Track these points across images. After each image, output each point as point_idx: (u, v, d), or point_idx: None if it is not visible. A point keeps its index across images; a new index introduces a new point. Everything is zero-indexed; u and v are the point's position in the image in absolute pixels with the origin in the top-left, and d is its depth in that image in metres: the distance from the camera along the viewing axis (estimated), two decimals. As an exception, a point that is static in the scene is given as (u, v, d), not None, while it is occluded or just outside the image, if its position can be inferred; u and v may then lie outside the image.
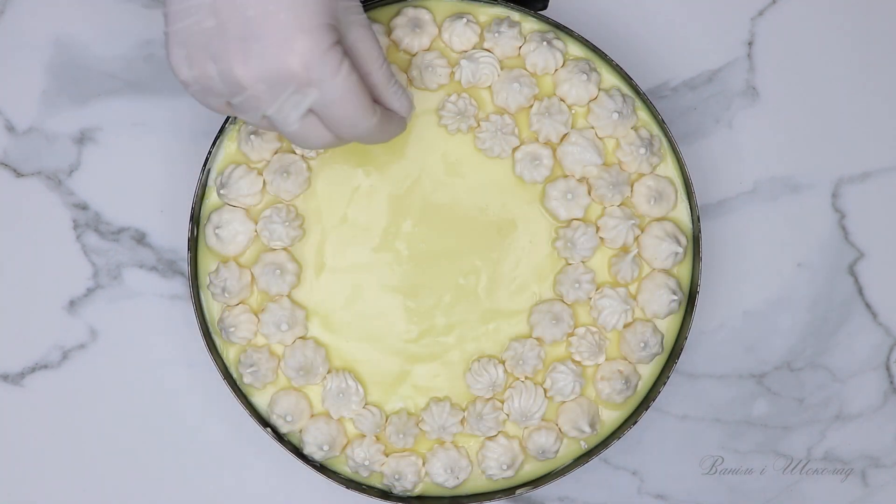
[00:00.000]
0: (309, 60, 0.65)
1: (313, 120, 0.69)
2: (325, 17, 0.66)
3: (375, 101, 0.71)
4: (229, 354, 0.82)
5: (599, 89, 0.82)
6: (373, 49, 0.70)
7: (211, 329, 0.82)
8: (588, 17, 0.87)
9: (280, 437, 0.82)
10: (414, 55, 0.81)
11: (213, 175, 0.82)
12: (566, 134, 0.82)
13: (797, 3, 0.89)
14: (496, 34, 0.81)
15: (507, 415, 0.81)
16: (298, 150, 0.81)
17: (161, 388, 0.87)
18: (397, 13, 0.81)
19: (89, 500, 0.87)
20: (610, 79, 0.83)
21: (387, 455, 0.81)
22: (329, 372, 0.81)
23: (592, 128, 0.82)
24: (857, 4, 0.89)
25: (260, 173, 0.81)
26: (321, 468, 0.82)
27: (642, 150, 0.81)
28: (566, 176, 0.82)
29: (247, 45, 0.65)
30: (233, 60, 0.66)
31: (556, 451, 0.82)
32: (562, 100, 0.82)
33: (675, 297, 0.81)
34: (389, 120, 0.72)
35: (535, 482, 0.82)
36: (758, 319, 0.89)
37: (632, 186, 0.82)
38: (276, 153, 0.81)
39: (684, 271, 0.83)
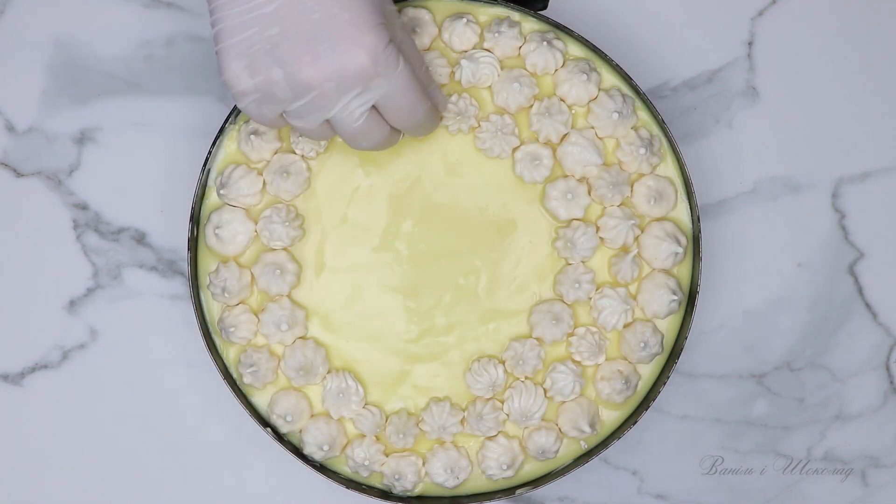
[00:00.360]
0: (376, 55, 0.69)
1: (374, 115, 0.72)
2: (381, 17, 0.69)
3: None
4: (229, 354, 0.82)
5: (599, 89, 0.82)
6: (415, 50, 0.74)
7: (211, 329, 0.82)
8: (588, 17, 0.87)
9: (280, 437, 0.82)
10: (414, 55, 0.82)
11: (213, 175, 0.82)
12: (566, 134, 0.82)
13: (797, 3, 0.89)
14: (496, 34, 0.81)
15: (507, 415, 0.81)
16: (298, 150, 0.81)
17: (161, 388, 0.87)
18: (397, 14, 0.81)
19: (89, 500, 0.87)
20: (610, 79, 0.83)
21: (387, 455, 0.81)
22: (329, 372, 0.81)
23: (592, 128, 0.82)
24: (857, 4, 0.89)
25: (260, 173, 0.81)
26: (321, 468, 0.82)
27: (642, 150, 0.81)
28: (566, 176, 0.82)
29: (315, 46, 0.68)
30: (302, 62, 0.69)
31: (556, 451, 0.82)
32: (562, 100, 0.82)
33: (675, 297, 0.81)
34: (435, 110, 0.76)
35: (535, 482, 0.82)
36: (758, 319, 0.89)
37: (632, 186, 0.82)
38: (275, 153, 0.81)
39: (684, 271, 0.83)
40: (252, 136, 0.80)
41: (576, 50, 0.82)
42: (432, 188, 0.82)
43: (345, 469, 0.82)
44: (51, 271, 0.87)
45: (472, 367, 0.81)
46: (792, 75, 0.89)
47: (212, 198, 0.82)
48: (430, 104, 0.75)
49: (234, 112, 0.81)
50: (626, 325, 0.82)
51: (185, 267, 0.82)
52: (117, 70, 0.87)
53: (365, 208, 0.82)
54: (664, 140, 0.82)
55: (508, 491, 0.82)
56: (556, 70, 0.82)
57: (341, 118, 0.72)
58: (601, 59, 0.82)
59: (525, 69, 0.82)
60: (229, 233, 0.81)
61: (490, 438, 0.82)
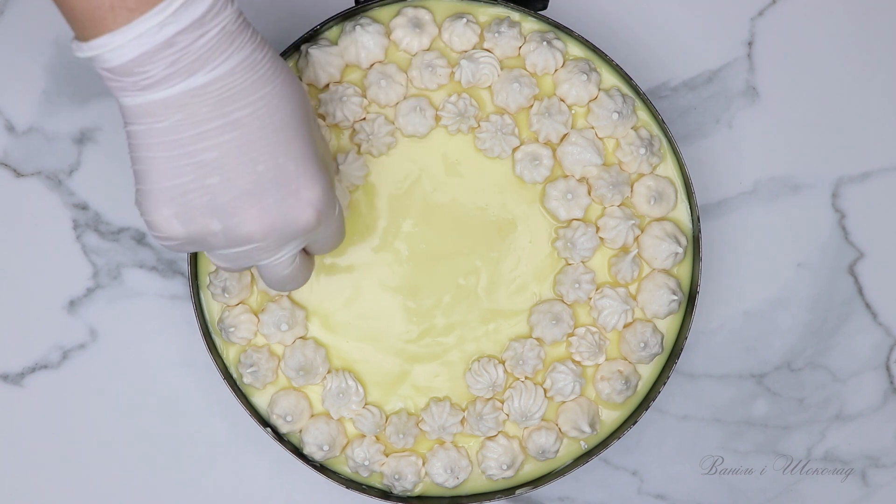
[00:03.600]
0: (321, 207, 0.66)
1: (303, 257, 0.71)
2: (317, 156, 0.66)
3: None
4: (229, 354, 0.82)
5: (599, 89, 0.82)
6: (328, 155, 0.74)
7: (211, 329, 0.82)
8: (588, 17, 0.87)
9: (280, 437, 0.82)
10: (414, 55, 0.81)
11: (213, 175, 0.82)
12: (566, 134, 0.82)
13: (797, 3, 0.89)
14: (496, 34, 0.81)
15: (507, 415, 0.81)
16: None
17: (161, 388, 0.87)
18: (397, 13, 0.81)
19: (89, 499, 0.87)
20: (610, 79, 0.83)
21: (387, 455, 0.81)
22: (329, 372, 0.81)
23: (592, 128, 0.82)
24: (857, 4, 0.89)
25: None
26: (321, 468, 0.82)
27: (642, 150, 0.81)
28: (566, 176, 0.82)
29: (260, 199, 0.64)
30: (245, 216, 0.64)
31: (556, 451, 0.82)
32: (562, 100, 0.82)
33: (675, 297, 0.81)
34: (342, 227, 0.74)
35: (535, 482, 0.82)
36: (758, 319, 0.89)
37: (632, 186, 0.82)
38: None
39: (684, 271, 0.83)
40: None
41: (576, 50, 0.82)
42: (432, 188, 0.82)
43: (345, 469, 0.82)
44: (51, 271, 0.87)
45: (471, 367, 0.81)
46: (792, 75, 0.89)
47: (212, 198, 0.82)
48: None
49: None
50: (626, 326, 0.82)
51: (185, 267, 0.82)
52: (117, 70, 0.87)
53: (365, 208, 0.82)
54: (664, 140, 0.82)
55: (508, 491, 0.82)
56: (556, 70, 0.82)
57: (272, 266, 0.69)
58: (601, 59, 0.82)
59: (525, 69, 0.82)
60: (229, 233, 0.81)
61: (490, 438, 0.82)
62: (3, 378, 0.87)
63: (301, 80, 0.81)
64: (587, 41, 0.82)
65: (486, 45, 0.82)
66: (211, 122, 0.62)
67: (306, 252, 0.72)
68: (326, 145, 0.72)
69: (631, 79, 0.82)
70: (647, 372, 0.83)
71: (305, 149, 0.65)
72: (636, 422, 0.81)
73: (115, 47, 0.60)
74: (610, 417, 0.82)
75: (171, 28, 0.60)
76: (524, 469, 0.82)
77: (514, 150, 0.82)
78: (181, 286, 0.87)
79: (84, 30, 0.61)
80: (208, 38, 0.61)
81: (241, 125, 0.63)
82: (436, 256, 0.82)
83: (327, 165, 0.69)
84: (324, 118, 0.81)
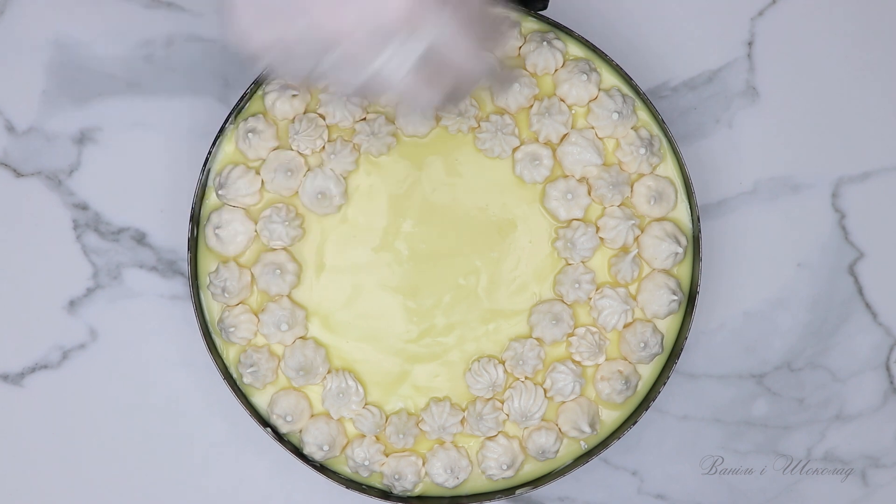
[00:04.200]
0: (405, 6, 0.57)
1: (428, 69, 0.61)
2: None
3: None
4: (229, 354, 0.82)
5: (599, 89, 0.82)
6: None
7: (211, 329, 0.82)
8: (588, 17, 0.87)
9: (280, 437, 0.82)
10: (414, 55, 0.81)
11: (212, 175, 0.82)
12: (566, 134, 0.82)
13: (797, 3, 0.89)
14: (496, 34, 0.81)
15: (507, 415, 0.81)
16: (294, 146, 0.81)
17: (161, 388, 0.87)
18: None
19: (89, 499, 0.87)
20: (610, 79, 0.83)
21: (387, 455, 0.81)
22: (329, 372, 0.81)
23: (592, 128, 0.82)
24: (857, 4, 0.89)
25: (258, 172, 0.81)
26: (321, 468, 0.82)
27: (642, 150, 0.81)
28: (566, 176, 0.82)
29: None
30: (325, 9, 0.57)
31: (556, 451, 0.82)
32: (562, 100, 0.82)
33: (675, 297, 0.81)
34: (501, 36, 0.65)
35: (535, 482, 0.82)
36: (758, 319, 0.89)
37: (632, 186, 0.82)
38: (273, 151, 0.81)
39: (684, 271, 0.83)
40: (250, 134, 0.80)
41: (576, 50, 0.82)
42: (432, 188, 0.82)
43: (345, 469, 0.82)
44: (51, 271, 0.87)
45: (472, 367, 0.81)
46: (792, 75, 0.89)
47: (212, 198, 0.82)
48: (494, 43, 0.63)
49: (234, 112, 0.81)
50: (626, 326, 0.82)
51: (185, 267, 0.82)
52: (117, 70, 0.87)
53: (365, 208, 0.82)
54: (664, 140, 0.82)
55: (508, 491, 0.82)
56: (556, 70, 0.82)
57: (384, 74, 0.60)
58: (601, 59, 0.82)
59: (525, 69, 0.82)
60: (229, 233, 0.81)
61: (490, 438, 0.82)
62: (3, 378, 0.87)
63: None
64: (587, 41, 0.82)
65: (486, 45, 0.82)
66: None
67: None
68: None
69: (631, 79, 0.82)
70: (647, 372, 0.83)
71: None
72: (636, 422, 0.81)
73: None
74: (610, 417, 0.82)
75: None
76: (524, 469, 0.82)
77: (514, 150, 0.82)
78: (181, 286, 0.87)
79: None
80: None
81: None
82: (436, 256, 0.82)
83: None
84: (324, 118, 0.81)
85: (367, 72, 0.59)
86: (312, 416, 0.81)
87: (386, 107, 0.81)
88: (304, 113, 0.81)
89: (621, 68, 0.82)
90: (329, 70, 0.60)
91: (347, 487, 0.81)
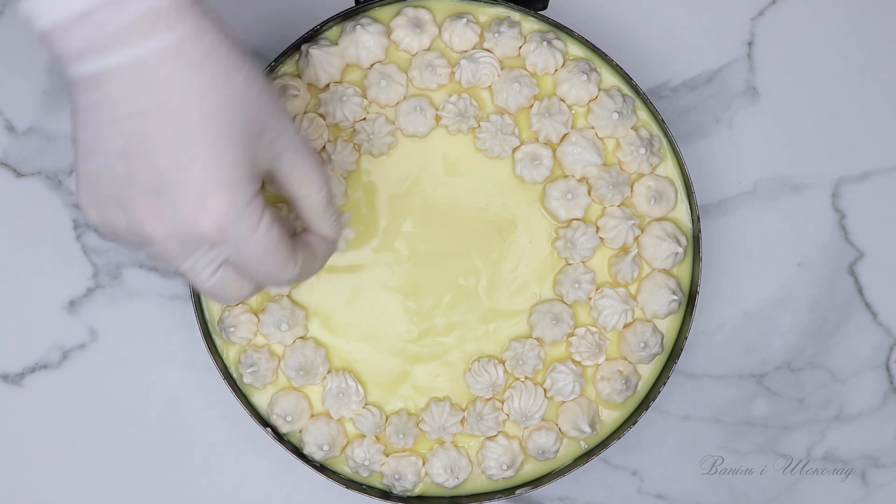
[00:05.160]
0: (223, 221, 0.60)
1: (229, 272, 0.64)
2: (244, 166, 0.60)
3: (305, 227, 0.68)
4: (229, 354, 0.82)
5: (599, 89, 0.82)
6: (310, 172, 0.65)
7: (211, 329, 0.82)
8: (588, 17, 0.87)
9: (280, 437, 0.82)
10: (414, 55, 0.82)
11: (213, 175, 0.82)
12: (566, 134, 0.82)
13: (797, 3, 0.89)
14: (496, 34, 0.81)
15: (507, 415, 0.81)
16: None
17: (161, 388, 0.87)
18: (397, 13, 0.82)
19: (89, 499, 0.87)
20: (610, 79, 0.83)
21: (387, 455, 0.81)
22: (329, 372, 0.81)
23: (592, 128, 0.82)
24: (857, 4, 0.89)
25: (260, 173, 0.81)
26: (321, 468, 0.82)
27: (642, 150, 0.81)
28: (566, 176, 0.82)
29: (158, 199, 0.59)
30: (143, 214, 0.60)
31: (556, 451, 0.82)
32: (562, 100, 0.82)
33: (675, 297, 0.81)
34: (314, 258, 0.67)
35: (535, 482, 0.82)
36: (758, 319, 0.89)
37: (632, 186, 0.82)
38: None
39: (684, 271, 0.83)
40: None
41: (576, 50, 0.82)
42: (432, 188, 0.82)
43: (345, 469, 0.82)
44: (51, 271, 0.87)
45: (472, 367, 0.81)
46: (792, 75, 0.89)
47: (212, 198, 0.82)
48: (301, 264, 0.65)
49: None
50: (626, 326, 0.82)
51: (185, 267, 0.82)
52: (117, 70, 0.87)
53: (365, 208, 0.82)
54: (664, 140, 0.83)
55: (508, 491, 0.82)
56: (556, 70, 0.82)
57: (190, 275, 0.63)
58: (601, 59, 0.82)
59: (525, 69, 0.82)
60: (229, 233, 0.81)
61: (490, 438, 0.82)
62: (3, 378, 0.87)
63: (302, 79, 0.81)
64: (587, 41, 0.82)
65: (486, 45, 0.82)
66: (122, 107, 0.58)
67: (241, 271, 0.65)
68: (305, 156, 0.65)
69: (631, 79, 0.82)
70: (647, 372, 0.83)
71: (221, 152, 0.59)
72: (636, 422, 0.81)
73: (36, 9, 0.58)
74: (610, 417, 0.82)
75: (84, 2, 0.57)
76: (524, 469, 0.82)
77: (514, 150, 0.82)
78: (181, 286, 0.87)
79: None
80: (127, 15, 0.57)
81: (148, 115, 0.58)
82: (436, 256, 0.82)
83: (270, 159, 0.63)
84: (324, 118, 0.81)
85: (179, 268, 0.63)
86: (312, 416, 0.81)
87: (386, 106, 0.81)
88: (304, 113, 0.81)
89: (621, 68, 0.82)
90: (148, 259, 0.63)
91: (347, 487, 0.81)
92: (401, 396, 0.82)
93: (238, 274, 0.64)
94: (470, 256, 0.82)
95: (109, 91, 0.58)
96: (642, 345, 0.81)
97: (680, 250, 0.81)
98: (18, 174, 0.87)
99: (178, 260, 0.62)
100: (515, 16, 0.82)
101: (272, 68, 0.81)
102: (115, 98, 0.58)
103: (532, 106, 0.82)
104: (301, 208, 0.67)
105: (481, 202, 0.82)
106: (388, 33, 0.81)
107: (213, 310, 0.82)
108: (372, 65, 0.81)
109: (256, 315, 0.81)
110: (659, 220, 0.82)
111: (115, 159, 0.59)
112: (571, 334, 0.82)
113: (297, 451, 0.81)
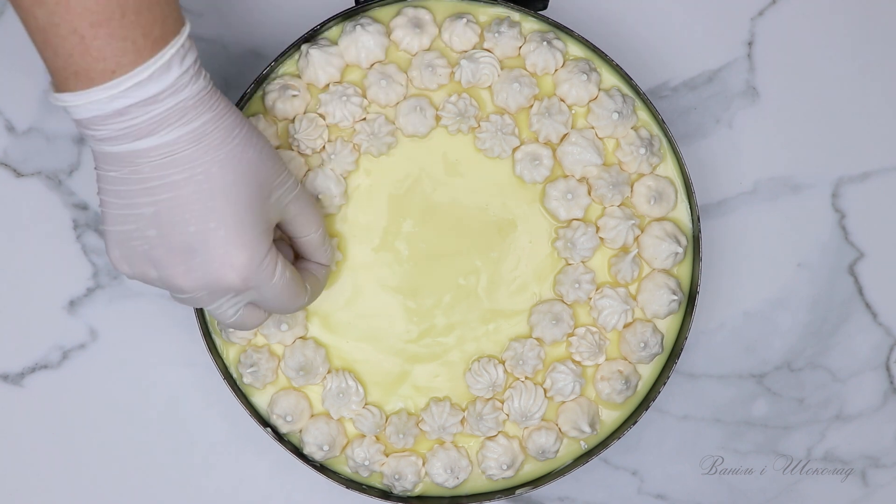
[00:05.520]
0: (247, 274, 0.69)
1: (250, 308, 0.74)
2: (260, 224, 0.70)
3: (305, 259, 0.77)
4: (229, 354, 0.82)
5: (599, 89, 0.82)
6: (311, 217, 0.75)
7: (211, 329, 0.82)
8: (588, 17, 0.87)
9: (280, 437, 0.82)
10: (414, 55, 0.82)
11: (213, 175, 0.82)
12: (566, 134, 0.82)
13: (797, 3, 0.89)
14: (496, 34, 0.81)
15: (507, 415, 0.81)
16: (294, 146, 0.81)
17: (161, 389, 0.87)
18: (397, 13, 0.81)
19: (89, 499, 0.87)
20: (610, 79, 0.83)
21: (387, 455, 0.81)
22: (329, 372, 0.81)
23: (592, 128, 0.82)
24: (857, 4, 0.89)
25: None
26: (321, 468, 0.82)
27: (642, 150, 0.81)
28: (566, 176, 0.82)
29: (188, 258, 0.69)
30: (175, 271, 0.69)
31: (556, 451, 0.82)
32: (562, 100, 0.82)
33: (675, 297, 0.81)
34: (317, 282, 0.77)
35: (535, 482, 0.82)
36: (758, 319, 0.89)
37: (632, 186, 0.82)
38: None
39: (684, 271, 0.83)
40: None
41: (576, 50, 0.82)
42: (432, 188, 0.82)
43: (345, 469, 0.82)
44: (51, 271, 0.87)
45: (472, 367, 0.81)
46: (792, 75, 0.89)
47: (212, 198, 0.82)
48: (310, 293, 0.76)
49: (234, 112, 0.81)
50: (626, 326, 0.82)
51: (185, 267, 0.82)
52: (117, 70, 0.87)
53: (365, 208, 0.82)
54: (664, 140, 0.82)
55: (508, 491, 0.82)
56: (556, 70, 0.82)
57: (215, 314, 0.73)
58: (601, 59, 0.82)
59: (525, 69, 0.82)
60: (229, 233, 0.81)
61: (490, 438, 0.82)
62: (3, 378, 0.87)
63: (302, 79, 0.81)
64: (587, 41, 0.82)
65: (486, 45, 0.82)
66: (152, 181, 0.67)
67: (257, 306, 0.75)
68: (305, 203, 0.74)
69: (631, 79, 0.82)
70: (647, 372, 0.83)
71: (241, 216, 0.68)
72: (636, 422, 0.81)
73: (73, 105, 0.66)
74: (610, 417, 0.82)
75: (123, 101, 0.65)
76: (524, 469, 0.82)
77: (514, 150, 0.82)
78: (181, 286, 0.87)
79: (55, 83, 0.67)
80: (159, 111, 0.66)
81: (177, 187, 0.67)
82: (436, 256, 0.82)
83: (279, 210, 0.72)
84: (324, 118, 0.81)
85: (207, 308, 0.73)
86: (312, 416, 0.81)
87: (386, 106, 0.81)
88: (304, 113, 0.81)
89: (621, 68, 0.82)
90: (177, 301, 0.72)
91: (347, 487, 0.81)
92: (401, 396, 0.82)
93: (257, 309, 0.74)
94: (470, 256, 0.82)
95: (140, 168, 0.67)
96: (642, 345, 0.81)
97: (680, 250, 0.81)
98: (18, 174, 0.87)
99: (206, 303, 0.71)
100: (515, 16, 0.82)
101: (272, 68, 0.81)
102: (146, 174, 0.67)
103: (532, 106, 0.82)
104: (302, 245, 0.76)
105: (481, 202, 0.82)
106: (388, 33, 0.81)
107: (213, 310, 0.82)
108: (372, 65, 0.81)
109: (256, 315, 0.81)
110: (659, 220, 0.82)
111: (146, 224, 0.68)
112: (571, 334, 0.82)
113: (297, 451, 0.81)
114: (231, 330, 0.80)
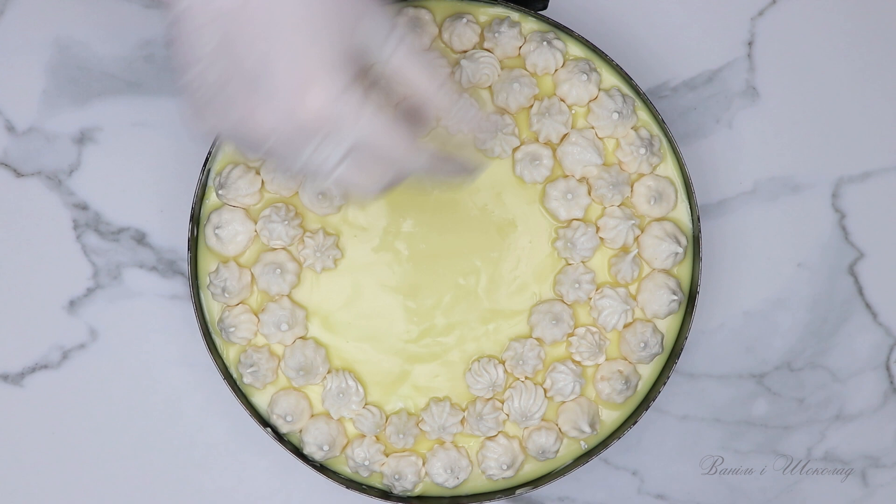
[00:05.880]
0: (324, 102, 0.60)
1: (354, 163, 0.62)
2: (337, 51, 0.60)
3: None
4: (229, 354, 0.82)
5: (599, 89, 0.82)
6: (422, 71, 0.63)
7: (211, 329, 0.82)
8: (588, 17, 0.87)
9: (280, 437, 0.82)
10: (414, 55, 0.81)
11: (212, 175, 0.82)
12: (566, 134, 0.82)
13: (797, 3, 0.89)
14: (496, 34, 0.81)
15: (507, 415, 0.81)
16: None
17: (161, 388, 0.87)
18: (397, 13, 0.81)
19: (89, 499, 0.87)
20: (610, 79, 0.83)
21: (387, 455, 0.81)
22: (329, 372, 0.81)
23: (592, 128, 0.82)
24: (858, 4, 0.89)
25: (258, 172, 0.81)
26: (321, 468, 0.82)
27: (642, 150, 0.81)
28: (566, 176, 0.82)
29: (257, 91, 0.60)
30: (245, 110, 0.60)
31: (556, 451, 0.82)
32: (562, 100, 0.82)
33: (675, 297, 0.81)
34: (453, 155, 0.67)
35: (535, 482, 0.82)
36: (758, 319, 0.89)
37: (632, 186, 0.82)
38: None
39: (684, 271, 0.83)
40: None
41: (576, 50, 0.82)
42: (432, 188, 0.82)
43: (345, 469, 0.82)
44: (51, 271, 0.87)
45: (472, 367, 0.81)
46: (792, 75, 0.89)
47: (212, 198, 0.82)
48: (430, 154, 0.64)
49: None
50: (626, 326, 0.82)
51: (185, 267, 0.82)
52: (117, 70, 0.87)
53: (365, 208, 0.82)
54: (664, 140, 0.83)
55: (508, 491, 0.82)
56: (556, 70, 0.82)
57: (313, 168, 0.62)
58: (601, 59, 0.82)
59: (525, 69, 0.82)
60: (229, 233, 0.81)
61: (490, 438, 0.82)
62: (3, 378, 0.87)
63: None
64: (587, 41, 0.82)
65: (486, 45, 0.82)
66: (208, 10, 0.59)
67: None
68: (411, 46, 0.63)
69: (631, 79, 0.82)
70: (647, 372, 0.83)
71: (316, 38, 0.59)
72: (636, 422, 0.81)
73: None
74: (610, 417, 0.82)
75: None
76: (524, 469, 0.82)
77: (514, 150, 0.82)
78: (181, 286, 0.87)
79: None
80: None
81: (232, 13, 0.59)
82: (436, 256, 0.82)
83: (374, 49, 0.61)
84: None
85: (297, 162, 0.62)
86: (312, 416, 0.81)
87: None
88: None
89: (621, 68, 0.82)
90: (266, 156, 0.62)
91: (347, 487, 0.81)
92: (401, 396, 0.82)
93: (364, 166, 0.63)
94: (470, 256, 0.82)
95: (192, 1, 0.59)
96: (642, 345, 0.81)
97: (680, 250, 0.81)
98: (18, 174, 0.87)
99: (295, 151, 0.61)
100: (515, 16, 0.82)
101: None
102: (197, 5, 0.59)
103: (532, 106, 0.82)
104: (426, 108, 0.65)
105: (481, 202, 0.82)
106: (388, 33, 0.81)
107: (213, 310, 0.82)
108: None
109: (256, 315, 0.81)
110: (659, 220, 0.82)
111: (209, 62, 0.60)
112: (571, 334, 0.82)
113: (297, 451, 0.81)
114: (231, 329, 0.80)
